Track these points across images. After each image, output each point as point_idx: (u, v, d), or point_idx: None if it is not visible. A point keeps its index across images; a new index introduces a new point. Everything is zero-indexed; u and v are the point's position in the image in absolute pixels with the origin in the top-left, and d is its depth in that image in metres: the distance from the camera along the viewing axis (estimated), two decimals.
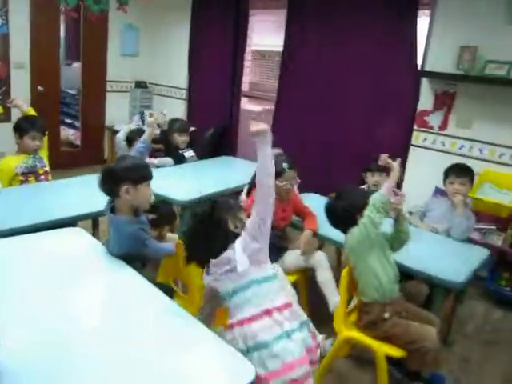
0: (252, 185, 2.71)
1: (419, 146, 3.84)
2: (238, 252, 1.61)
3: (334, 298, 2.44)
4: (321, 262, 2.58)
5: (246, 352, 1.50)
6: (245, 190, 3.01)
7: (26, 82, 5.06)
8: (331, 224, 2.25)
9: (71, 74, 6.01)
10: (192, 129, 4.02)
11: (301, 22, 4.31)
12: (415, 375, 2.22)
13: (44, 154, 3.28)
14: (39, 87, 5.16)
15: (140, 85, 5.94)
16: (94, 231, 3.04)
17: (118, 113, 5.87)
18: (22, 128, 3.01)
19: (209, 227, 1.65)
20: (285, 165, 2.53)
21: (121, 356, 1.33)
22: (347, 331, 2.10)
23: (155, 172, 3.31)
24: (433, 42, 3.67)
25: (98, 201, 2.59)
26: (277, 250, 2.59)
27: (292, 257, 2.66)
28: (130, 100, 5.97)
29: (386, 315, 2.04)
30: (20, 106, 3.28)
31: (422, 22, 3.73)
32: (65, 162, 5.12)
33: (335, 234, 2.35)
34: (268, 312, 1.58)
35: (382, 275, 2.06)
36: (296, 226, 2.77)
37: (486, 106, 3.47)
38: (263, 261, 1.67)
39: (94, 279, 1.78)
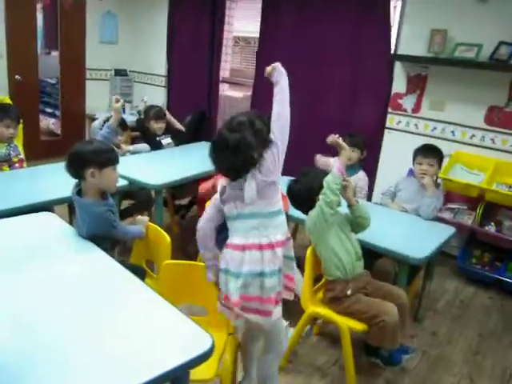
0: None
1: (393, 129, 3.90)
2: (248, 181, 1.64)
3: None
4: None
5: (225, 272, 1.67)
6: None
7: (3, 71, 5.02)
8: (293, 205, 2.31)
9: (50, 62, 5.98)
10: (179, 127, 4.03)
11: (276, 8, 4.32)
12: (374, 351, 2.31)
13: (19, 142, 3.29)
14: (17, 76, 5.12)
15: (120, 72, 5.91)
16: (71, 216, 3.06)
17: (99, 101, 5.85)
18: None
19: (235, 152, 1.62)
20: None
21: (88, 334, 1.37)
22: (313, 307, 2.16)
23: (131, 158, 3.43)
24: (405, 26, 3.71)
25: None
26: None
27: None
28: (109, 88, 5.94)
29: (349, 292, 2.10)
30: None
31: (395, 5, 3.77)
32: (45, 152, 5.10)
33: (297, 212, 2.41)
34: (260, 247, 1.66)
35: (342, 254, 2.12)
36: None
37: (457, 88, 3.53)
38: (273, 195, 1.70)
39: (62, 261, 1.81)
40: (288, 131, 1.71)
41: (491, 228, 3.27)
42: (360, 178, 3.19)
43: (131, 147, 3.54)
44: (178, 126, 4.03)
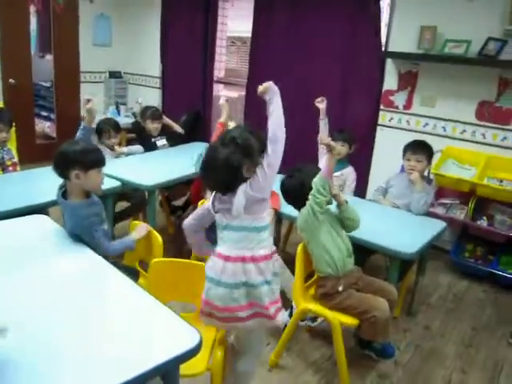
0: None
1: (386, 126, 3.93)
2: (237, 196, 1.65)
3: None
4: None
5: (207, 278, 1.70)
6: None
7: None
8: (286, 201, 2.33)
9: (45, 66, 5.98)
10: (178, 129, 4.05)
11: (268, 7, 4.34)
12: (367, 345, 2.34)
13: (12, 145, 3.31)
14: (11, 80, 5.13)
15: (114, 75, 5.93)
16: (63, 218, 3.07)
17: (94, 104, 5.84)
18: None
19: (224, 168, 1.62)
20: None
21: (78, 332, 1.40)
22: (305, 303, 2.18)
23: (123, 159, 3.45)
24: (395, 23, 3.74)
25: None
26: None
27: None
28: (104, 90, 5.96)
29: (340, 288, 2.13)
30: None
31: (385, 4, 3.79)
32: (41, 155, 5.09)
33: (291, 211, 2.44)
34: (243, 259, 1.67)
35: (333, 251, 2.14)
36: None
37: (448, 84, 3.55)
38: (261, 211, 1.70)
39: (55, 263, 1.82)
40: (282, 152, 1.69)
41: (483, 222, 3.30)
42: (348, 172, 3.24)
43: (125, 149, 3.56)
44: (177, 128, 4.04)
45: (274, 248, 1.77)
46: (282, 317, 1.76)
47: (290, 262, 2.63)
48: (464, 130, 3.54)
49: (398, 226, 2.64)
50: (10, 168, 3.08)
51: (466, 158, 3.46)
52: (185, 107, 5.12)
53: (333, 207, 2.22)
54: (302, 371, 2.31)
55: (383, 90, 3.87)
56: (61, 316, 1.48)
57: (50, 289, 1.63)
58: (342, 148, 3.16)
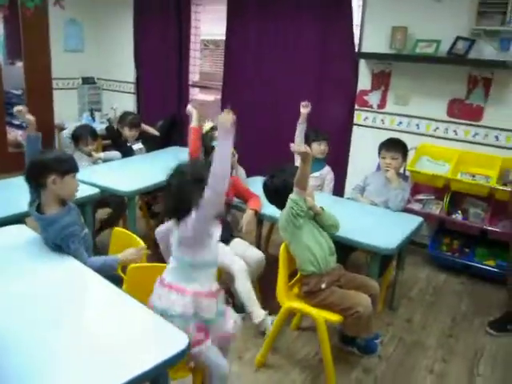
0: None
1: (361, 125, 4.00)
2: (177, 230, 1.70)
3: (258, 310, 2.48)
4: (240, 272, 2.52)
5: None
6: None
7: None
8: (268, 201, 2.35)
9: (15, 73, 5.87)
10: (153, 132, 4.05)
11: (241, 10, 4.36)
12: (351, 341, 2.38)
13: None
14: None
15: (87, 81, 5.86)
16: None
17: (67, 111, 5.78)
18: None
19: (172, 200, 1.71)
20: (214, 143, 2.63)
21: (65, 341, 1.40)
22: (289, 302, 2.21)
23: (102, 166, 3.42)
24: (367, 24, 3.81)
25: None
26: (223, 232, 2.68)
27: (238, 246, 2.71)
28: (78, 97, 5.89)
29: (323, 285, 2.16)
30: None
31: (359, 5, 3.86)
32: (14, 164, 5.01)
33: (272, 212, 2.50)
34: (185, 291, 1.69)
35: (316, 249, 2.18)
36: (238, 208, 2.88)
37: (420, 83, 3.64)
38: (195, 248, 1.71)
39: (37, 272, 1.81)
40: (216, 207, 1.64)
41: (458, 216, 3.39)
42: (326, 172, 3.31)
43: (102, 154, 3.54)
44: (152, 131, 4.04)
45: (215, 288, 1.77)
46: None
47: (272, 263, 2.66)
48: (437, 127, 3.63)
49: (376, 222, 2.70)
50: None
51: (440, 155, 3.55)
52: (161, 112, 5.10)
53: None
54: (289, 370, 2.33)
55: (358, 90, 3.94)
56: (47, 324, 1.47)
57: (35, 298, 1.62)
58: (324, 147, 3.23)
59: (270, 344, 2.32)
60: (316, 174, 3.22)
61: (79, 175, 2.08)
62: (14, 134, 6.01)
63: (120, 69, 5.71)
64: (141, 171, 3.28)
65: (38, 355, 1.33)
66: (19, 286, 1.68)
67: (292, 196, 2.12)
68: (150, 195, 3.61)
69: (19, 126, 6.08)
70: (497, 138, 3.40)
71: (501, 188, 3.13)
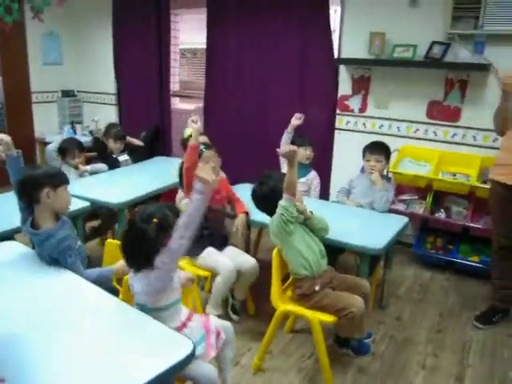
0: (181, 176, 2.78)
1: (343, 129, 4.08)
2: (139, 276, 1.70)
3: (212, 312, 2.57)
4: (225, 271, 2.57)
5: None
6: (180, 191, 3.10)
7: None
8: (257, 207, 2.40)
9: None
10: (131, 139, 4.07)
11: (221, 19, 4.42)
12: (345, 343, 2.43)
13: None
14: None
15: (68, 93, 5.83)
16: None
17: (48, 124, 5.74)
18: None
19: (138, 246, 1.68)
20: (201, 146, 2.67)
21: (71, 352, 1.41)
22: (283, 305, 2.25)
23: (90, 178, 3.43)
24: (345, 31, 3.90)
25: None
26: (221, 239, 2.74)
27: (232, 253, 2.73)
28: (58, 110, 5.85)
29: (317, 288, 2.21)
30: None
31: (336, 13, 3.96)
32: None
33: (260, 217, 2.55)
34: None
35: (307, 253, 2.23)
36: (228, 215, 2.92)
37: (399, 86, 3.74)
38: (159, 294, 1.71)
39: (38, 287, 1.82)
40: (182, 254, 1.67)
41: (441, 214, 3.49)
42: (313, 177, 3.37)
43: (89, 167, 3.53)
44: (137, 142, 4.06)
45: (183, 320, 1.80)
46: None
47: (261, 268, 2.71)
48: (417, 129, 3.74)
49: (364, 224, 2.77)
50: None
51: (421, 156, 3.65)
52: (143, 122, 5.11)
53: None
54: (286, 372, 2.37)
55: (339, 95, 4.03)
56: (49, 337, 1.48)
57: (38, 311, 1.63)
58: (310, 153, 3.30)
59: (266, 347, 2.35)
60: (302, 179, 3.28)
61: (68, 188, 2.09)
62: None
63: (100, 80, 5.70)
64: (129, 182, 3.30)
65: (42, 368, 1.34)
66: (18, 301, 1.69)
67: (282, 202, 2.16)
68: (138, 206, 3.61)
69: None
70: (474, 137, 3.51)
71: (481, 186, 3.23)
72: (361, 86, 3.92)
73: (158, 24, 4.92)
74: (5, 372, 1.30)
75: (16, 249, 2.17)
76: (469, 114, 3.50)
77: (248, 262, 2.68)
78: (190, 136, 3.49)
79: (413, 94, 3.69)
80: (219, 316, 2.34)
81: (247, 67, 4.36)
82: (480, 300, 3.10)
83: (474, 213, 3.39)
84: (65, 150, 3.37)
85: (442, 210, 3.50)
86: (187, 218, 1.59)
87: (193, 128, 2.58)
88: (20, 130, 5.61)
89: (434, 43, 3.42)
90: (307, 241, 2.24)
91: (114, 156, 3.78)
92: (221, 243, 2.74)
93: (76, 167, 3.41)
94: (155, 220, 1.65)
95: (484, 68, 3.28)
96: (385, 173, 3.29)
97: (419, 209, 3.58)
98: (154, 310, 1.70)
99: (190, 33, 5.15)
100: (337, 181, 3.97)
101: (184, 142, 3.48)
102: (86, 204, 2.76)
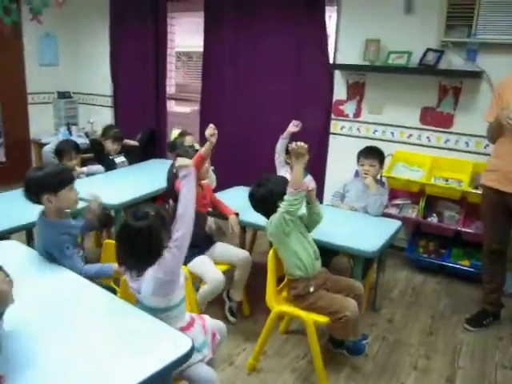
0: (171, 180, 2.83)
1: (338, 134, 4.13)
2: (146, 281, 1.68)
3: (236, 293, 2.74)
4: (244, 265, 2.71)
5: None
6: None
7: None
8: (254, 209, 2.43)
9: None
10: (128, 141, 4.10)
11: (218, 23, 4.46)
12: (339, 344, 2.47)
13: None
14: None
15: (63, 95, 5.83)
16: (29, 243, 3.03)
17: (43, 125, 5.75)
18: None
19: (141, 245, 1.66)
20: (189, 149, 2.74)
21: (71, 350, 1.44)
22: (278, 306, 2.29)
23: (86, 180, 3.44)
24: (341, 37, 3.95)
25: (30, 213, 2.63)
26: (206, 239, 2.77)
27: (221, 249, 2.79)
28: (53, 111, 5.86)
29: (311, 289, 2.25)
30: None
31: (331, 18, 4.02)
32: None
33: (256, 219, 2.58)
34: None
35: (302, 255, 2.26)
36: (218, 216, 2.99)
37: (393, 92, 3.80)
38: (167, 293, 1.72)
39: (37, 285, 1.84)
40: (190, 235, 1.70)
41: (433, 219, 3.54)
42: (309, 181, 3.37)
43: (85, 169, 3.56)
44: (132, 142, 4.09)
45: (189, 319, 1.82)
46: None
47: (256, 270, 2.75)
48: (410, 135, 3.79)
49: (358, 227, 2.81)
50: None
51: (414, 161, 3.71)
52: (138, 124, 5.12)
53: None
54: (280, 372, 2.40)
55: (333, 100, 4.08)
56: (51, 335, 1.50)
57: (37, 309, 1.65)
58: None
59: (260, 347, 2.38)
60: None
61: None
62: None
63: (96, 82, 5.72)
64: (125, 184, 3.32)
65: (41, 366, 1.36)
66: (17, 299, 1.70)
67: (287, 197, 2.16)
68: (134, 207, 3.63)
69: None
70: (467, 143, 3.57)
71: (473, 191, 3.29)
72: (355, 91, 3.98)
73: (155, 27, 4.95)
74: (5, 369, 1.32)
75: (14, 247, 2.19)
76: (462, 120, 3.57)
77: (240, 254, 2.74)
78: (177, 138, 3.55)
79: (407, 100, 3.74)
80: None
81: (243, 71, 4.40)
82: (471, 303, 3.15)
83: (465, 217, 3.45)
84: (62, 151, 3.39)
85: (435, 215, 3.56)
86: (184, 201, 1.67)
87: (209, 141, 2.56)
88: (15, 131, 5.63)
89: (428, 50, 3.48)
90: (302, 242, 2.28)
91: (111, 157, 3.80)
92: (208, 243, 2.77)
93: (72, 169, 3.43)
94: (152, 214, 1.66)
95: (477, 75, 3.34)
96: (378, 177, 3.34)
97: (412, 213, 3.63)
98: (163, 311, 1.71)
99: (185, 36, 5.18)
100: (331, 185, 4.01)
101: (172, 145, 3.51)
102: (84, 205, 2.77)
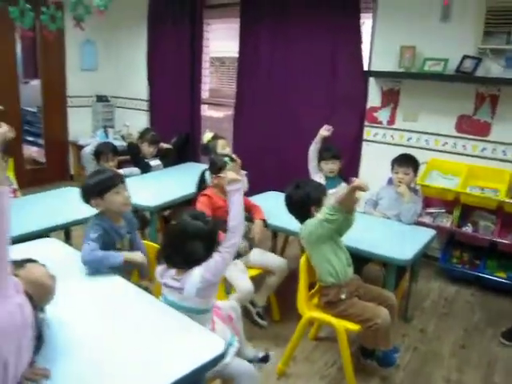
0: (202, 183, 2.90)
1: (371, 141, 4.11)
2: (192, 279, 1.74)
3: (260, 299, 2.78)
4: (281, 271, 2.75)
5: None
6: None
7: None
8: (289, 211, 2.43)
9: (29, 91, 6.05)
10: (164, 145, 4.19)
11: (253, 30, 4.52)
12: (369, 354, 2.44)
13: (10, 173, 3.37)
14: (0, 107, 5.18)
15: (101, 99, 6.01)
16: (67, 242, 3.13)
17: (81, 128, 5.93)
18: None
19: (196, 244, 1.75)
20: (226, 158, 2.75)
21: (111, 347, 1.49)
22: (309, 312, 2.30)
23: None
24: (376, 44, 3.94)
25: (68, 212, 2.73)
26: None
27: (258, 255, 2.81)
28: (92, 114, 6.04)
29: (343, 296, 2.24)
30: None
31: (366, 25, 4.01)
32: (31, 180, 5.17)
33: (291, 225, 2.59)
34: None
35: (335, 262, 2.26)
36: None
37: (429, 100, 3.76)
38: (209, 295, 1.79)
39: (79, 283, 1.91)
40: (238, 244, 1.86)
41: (468, 229, 3.48)
42: (344, 187, 3.36)
43: (121, 171, 3.64)
44: (166, 145, 4.18)
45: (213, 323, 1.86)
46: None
47: (287, 276, 2.76)
48: (446, 143, 3.74)
49: (391, 235, 2.79)
50: (11, 195, 3.13)
51: (449, 169, 3.65)
52: (173, 129, 5.21)
53: None
54: (310, 378, 2.41)
55: (367, 107, 4.06)
56: (91, 331, 1.56)
57: (77, 305, 1.72)
58: (333, 166, 3.32)
59: (290, 353, 2.39)
60: (331, 190, 3.30)
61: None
62: (27, 151, 6.15)
63: (133, 87, 5.87)
64: (160, 187, 3.40)
65: (86, 359, 1.42)
66: (64, 297, 1.76)
67: (330, 205, 2.16)
68: (169, 210, 3.71)
69: (33, 143, 6.25)
70: (504, 152, 3.50)
71: (509, 201, 3.22)
72: (390, 98, 3.95)
73: (192, 33, 5.05)
74: (49, 358, 1.38)
75: (56, 245, 2.28)
76: (499, 128, 3.49)
77: (277, 261, 2.79)
78: (210, 141, 3.60)
79: (442, 107, 3.69)
80: None
81: (277, 76, 4.44)
82: (506, 316, 3.07)
83: (501, 228, 3.37)
84: (100, 153, 3.50)
85: (469, 224, 3.49)
86: (236, 213, 1.81)
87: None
88: (55, 133, 5.84)
89: (465, 57, 3.43)
90: (335, 249, 2.28)
91: (146, 160, 3.89)
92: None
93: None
94: (210, 219, 1.81)
95: None
96: (412, 185, 3.30)
97: (446, 222, 3.57)
98: (200, 312, 1.77)
99: (217, 41, 5.26)
100: (364, 192, 3.97)
101: (204, 148, 3.58)
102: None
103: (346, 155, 3.76)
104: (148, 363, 1.41)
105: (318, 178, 3.16)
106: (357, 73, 4.01)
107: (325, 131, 3.25)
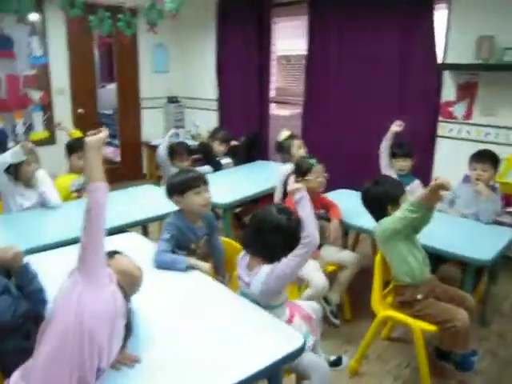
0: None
1: (446, 137, 3.96)
2: (259, 276, 1.77)
3: (333, 295, 2.77)
4: (353, 265, 2.75)
5: None
6: (277, 193, 3.21)
7: (67, 106, 5.45)
8: (365, 207, 2.40)
9: (105, 95, 6.41)
10: (234, 143, 4.29)
11: (322, 27, 4.50)
12: (445, 356, 2.36)
13: None
14: (80, 110, 5.53)
15: (172, 100, 6.24)
16: (145, 236, 3.28)
17: (154, 128, 6.19)
18: (70, 148, 3.31)
19: (278, 237, 1.78)
20: (312, 160, 2.75)
21: (196, 339, 1.56)
22: (384, 311, 2.26)
23: None
24: (451, 35, 3.79)
25: (146, 209, 2.87)
26: None
27: (328, 251, 2.82)
28: (163, 115, 6.28)
29: (419, 296, 2.19)
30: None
31: (440, 16, 3.86)
32: (107, 179, 5.45)
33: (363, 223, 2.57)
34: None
35: (411, 261, 2.20)
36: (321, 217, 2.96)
37: (509, 92, 3.56)
38: (276, 298, 1.82)
39: (156, 275, 2.00)
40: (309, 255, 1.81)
41: None
42: (416, 185, 3.28)
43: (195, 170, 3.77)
44: (233, 142, 4.28)
45: (289, 314, 1.87)
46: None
47: (358, 273, 2.73)
48: None
49: (469, 234, 2.68)
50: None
51: None
52: (242, 127, 5.31)
53: None
54: (382, 378, 2.38)
55: (441, 102, 3.91)
56: (173, 322, 1.65)
57: (161, 298, 1.82)
58: (404, 163, 3.24)
59: (364, 351, 2.38)
60: (406, 188, 3.23)
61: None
62: (104, 152, 6.51)
63: (202, 87, 6.04)
64: (232, 184, 3.49)
65: (170, 348, 1.50)
66: (155, 290, 1.86)
67: (412, 202, 2.12)
68: (240, 207, 3.79)
69: (109, 143, 6.59)
70: None
71: None
72: (466, 92, 3.78)
73: (259, 33, 5.12)
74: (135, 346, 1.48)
75: (137, 240, 2.43)
76: None
77: (349, 255, 2.81)
78: (286, 139, 3.62)
79: None
80: None
81: (347, 73, 4.39)
82: None
83: None
84: (174, 153, 3.63)
85: None
86: (306, 223, 1.77)
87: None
88: (129, 134, 6.13)
89: None
90: (411, 248, 2.23)
91: (218, 159, 4.00)
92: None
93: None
94: (294, 217, 1.80)
95: None
96: (491, 183, 3.14)
97: None
98: (270, 308, 1.79)
99: (284, 40, 5.28)
100: (447, 192, 3.84)
101: (279, 145, 3.60)
102: None
103: (418, 152, 3.65)
104: (227, 355, 1.47)
105: (391, 175, 3.09)
106: (430, 66, 3.88)
107: (396, 127, 3.17)
